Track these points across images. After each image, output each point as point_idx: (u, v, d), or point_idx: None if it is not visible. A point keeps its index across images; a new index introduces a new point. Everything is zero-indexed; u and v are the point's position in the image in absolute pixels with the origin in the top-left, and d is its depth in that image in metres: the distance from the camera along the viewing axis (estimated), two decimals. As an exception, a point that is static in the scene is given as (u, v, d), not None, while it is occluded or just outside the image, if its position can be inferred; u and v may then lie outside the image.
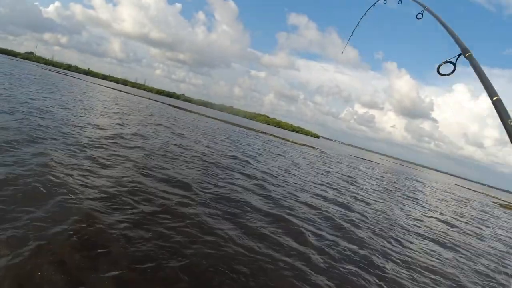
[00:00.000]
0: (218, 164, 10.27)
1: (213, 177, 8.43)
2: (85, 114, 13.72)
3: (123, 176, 6.22)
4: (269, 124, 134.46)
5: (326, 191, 10.90)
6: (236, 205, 6.44)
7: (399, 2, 4.15)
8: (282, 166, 14.05)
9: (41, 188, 4.55)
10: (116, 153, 8.05)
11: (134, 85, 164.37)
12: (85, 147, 7.76)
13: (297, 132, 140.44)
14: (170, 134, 14.50)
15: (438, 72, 2.06)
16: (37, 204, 4.06)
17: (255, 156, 14.88)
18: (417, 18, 2.98)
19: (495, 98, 1.68)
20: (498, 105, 1.64)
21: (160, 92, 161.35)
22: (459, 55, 1.99)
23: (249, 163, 12.26)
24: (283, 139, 40.70)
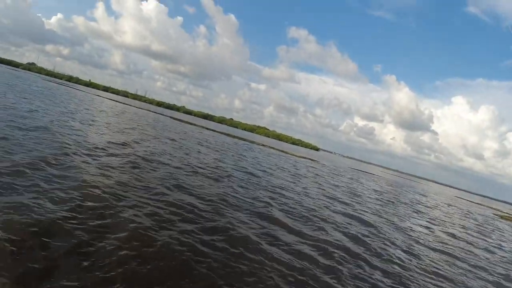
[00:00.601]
0: (237, 179, 10.65)
1: (238, 192, 8.81)
2: (104, 132, 13.91)
3: (160, 193, 6.43)
4: (269, 137, 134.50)
5: (337, 205, 10.98)
6: (267, 224, 6.52)
7: None
8: (292, 181, 14.13)
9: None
10: (145, 172, 8.16)
11: (135, 97, 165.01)
12: (113, 168, 7.88)
13: (297, 144, 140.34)
14: (185, 150, 14.78)
15: None
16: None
17: (266, 171, 15.00)
18: None
19: None
20: None
21: (160, 104, 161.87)
22: None
23: (262, 178, 12.46)
24: (284, 152, 40.78)
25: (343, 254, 5.89)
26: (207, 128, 47.59)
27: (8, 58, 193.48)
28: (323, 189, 13.98)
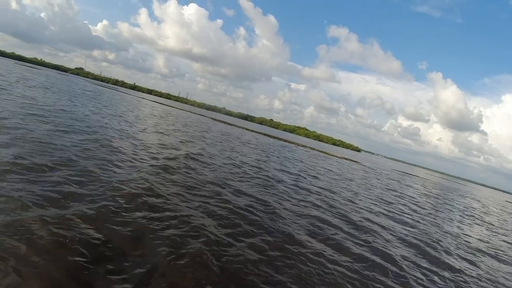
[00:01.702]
0: (288, 182, 10.36)
1: (292, 196, 8.57)
2: (154, 133, 14.29)
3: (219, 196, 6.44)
4: (309, 137, 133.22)
5: (392, 210, 10.44)
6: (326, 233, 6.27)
7: None
8: (344, 185, 13.69)
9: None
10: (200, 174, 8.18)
11: (177, 99, 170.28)
12: (170, 169, 7.95)
13: (338, 145, 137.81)
14: (233, 152, 14.86)
15: None
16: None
17: (312, 173, 14.68)
18: None
19: None
20: None
21: (201, 105, 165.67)
22: None
23: (311, 180, 12.19)
24: (325, 153, 40.03)
25: (408, 263, 5.51)
26: (249, 129, 47.75)
27: (57, 63, 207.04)
28: (373, 193, 13.36)
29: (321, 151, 41.12)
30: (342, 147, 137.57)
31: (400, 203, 12.70)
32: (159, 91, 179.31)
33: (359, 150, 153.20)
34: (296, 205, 7.68)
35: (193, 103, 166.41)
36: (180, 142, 13.16)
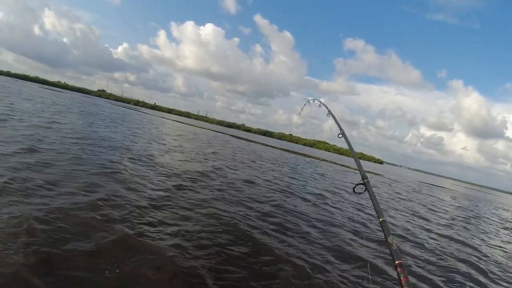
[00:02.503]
0: (321, 199, 10.05)
1: (333, 214, 8.23)
2: (179, 154, 14.53)
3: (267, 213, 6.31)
4: (329, 151, 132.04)
5: (433, 227, 10.04)
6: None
7: (327, 115, 4.99)
8: (401, 207, 13.32)
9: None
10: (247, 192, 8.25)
11: (197, 117, 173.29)
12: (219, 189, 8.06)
13: (359, 158, 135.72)
14: (263, 169, 14.88)
15: (354, 192, 2.63)
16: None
17: (341, 189, 14.40)
18: (338, 137, 4.09)
19: (381, 219, 2.02)
20: (383, 225, 1.95)
21: (220, 123, 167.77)
22: (364, 180, 2.60)
23: (344, 196, 11.95)
24: (348, 167, 39.63)
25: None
26: (269, 146, 47.84)
27: (80, 86, 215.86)
28: (407, 209, 12.89)
29: (344, 165, 40.69)
30: (364, 159, 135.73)
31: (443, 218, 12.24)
32: (179, 110, 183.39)
33: (381, 162, 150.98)
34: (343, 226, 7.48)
35: (212, 121, 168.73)
36: (227, 166, 13.22)
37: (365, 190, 2.54)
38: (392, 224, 9.08)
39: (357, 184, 2.61)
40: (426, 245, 7.49)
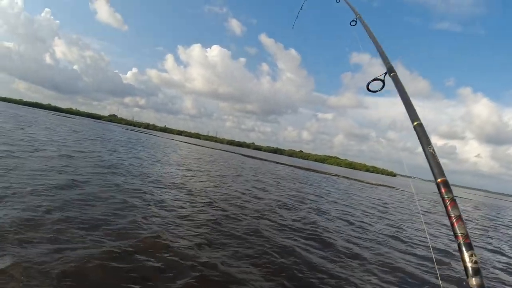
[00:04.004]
0: (346, 220, 9.83)
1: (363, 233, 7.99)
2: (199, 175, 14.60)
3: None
4: (341, 166, 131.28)
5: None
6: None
7: (337, 1, 4.02)
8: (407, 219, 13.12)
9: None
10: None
11: (207, 137, 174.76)
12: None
13: (371, 172, 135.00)
14: (287, 190, 14.78)
15: (368, 89, 2.09)
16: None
17: (385, 211, 14.20)
18: (351, 25, 3.01)
19: (416, 123, 1.61)
20: (419, 130, 1.57)
21: (230, 142, 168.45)
22: (385, 73, 2.03)
23: (366, 216, 11.72)
24: (360, 181, 39.31)
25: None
26: (282, 163, 47.80)
27: (91, 111, 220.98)
28: (437, 223, 12.50)
29: (358, 180, 40.37)
30: (376, 173, 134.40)
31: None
32: (189, 131, 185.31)
33: (394, 175, 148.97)
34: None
35: (222, 141, 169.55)
36: (257, 188, 13.28)
37: (382, 87, 2.08)
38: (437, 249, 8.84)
39: (374, 79, 2.10)
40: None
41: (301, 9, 6.20)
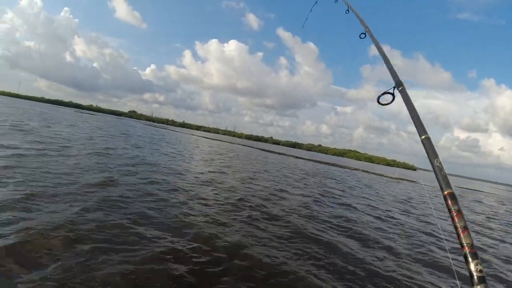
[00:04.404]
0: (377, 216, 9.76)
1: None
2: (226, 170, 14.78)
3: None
4: (360, 160, 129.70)
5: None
6: None
7: (347, 11, 3.86)
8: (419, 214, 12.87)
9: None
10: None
11: (225, 132, 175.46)
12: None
13: (391, 165, 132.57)
14: (329, 189, 14.78)
15: (379, 102, 2.19)
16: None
17: (384, 200, 14.12)
18: (360, 38, 3.06)
19: (423, 137, 1.66)
20: (427, 144, 1.62)
21: (249, 137, 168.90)
22: (394, 87, 2.13)
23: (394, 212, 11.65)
24: (381, 175, 38.87)
25: None
26: (303, 158, 47.60)
27: (111, 108, 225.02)
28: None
29: (378, 174, 39.93)
30: (397, 167, 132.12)
31: None
32: (207, 126, 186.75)
33: (414, 169, 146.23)
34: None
35: (240, 135, 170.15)
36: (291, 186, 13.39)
37: (392, 100, 2.17)
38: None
39: (384, 93, 2.18)
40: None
41: (310, 11, 6.51)
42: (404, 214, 11.18)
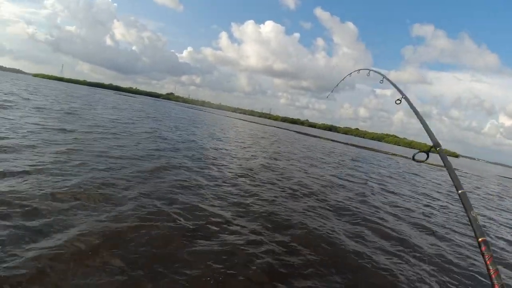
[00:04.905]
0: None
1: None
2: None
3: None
4: (399, 145, 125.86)
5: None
6: None
7: (381, 81, 4.39)
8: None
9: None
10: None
11: (261, 114, 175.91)
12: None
13: (432, 152, 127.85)
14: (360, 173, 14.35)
15: (414, 159, 2.35)
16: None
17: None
18: (396, 103, 3.30)
19: (460, 191, 1.80)
20: (463, 198, 1.76)
21: (284, 119, 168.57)
22: (431, 147, 2.29)
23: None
24: (426, 163, 37.42)
25: None
26: (341, 142, 46.75)
27: (150, 90, 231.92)
28: None
29: (424, 162, 38.41)
30: (437, 153, 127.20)
31: None
32: (243, 108, 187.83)
33: (456, 156, 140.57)
34: None
35: (276, 118, 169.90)
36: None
37: (426, 159, 2.33)
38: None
39: (420, 151, 2.34)
40: None
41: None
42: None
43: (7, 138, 7.58)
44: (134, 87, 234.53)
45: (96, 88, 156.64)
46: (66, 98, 28.20)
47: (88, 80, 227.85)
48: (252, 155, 13.33)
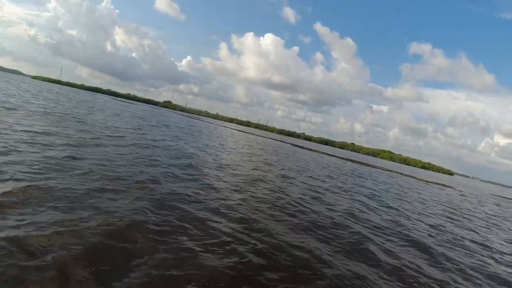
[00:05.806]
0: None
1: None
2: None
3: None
4: (394, 161, 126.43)
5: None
6: None
7: None
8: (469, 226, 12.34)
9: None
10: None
11: (257, 126, 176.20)
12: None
13: (427, 169, 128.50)
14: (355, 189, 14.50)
15: None
16: None
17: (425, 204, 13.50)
18: None
19: None
20: None
21: (281, 132, 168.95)
22: None
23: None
24: (417, 178, 37.69)
25: None
26: (336, 156, 46.95)
27: (147, 97, 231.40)
28: None
29: (421, 179, 38.65)
30: (432, 170, 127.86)
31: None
32: (240, 119, 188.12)
33: (451, 173, 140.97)
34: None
35: (273, 130, 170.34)
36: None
37: None
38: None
39: None
40: None
41: None
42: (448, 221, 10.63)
43: None
44: (132, 94, 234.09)
45: (94, 93, 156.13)
46: (82, 105, 28.10)
47: (86, 85, 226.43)
48: (254, 168, 13.37)
